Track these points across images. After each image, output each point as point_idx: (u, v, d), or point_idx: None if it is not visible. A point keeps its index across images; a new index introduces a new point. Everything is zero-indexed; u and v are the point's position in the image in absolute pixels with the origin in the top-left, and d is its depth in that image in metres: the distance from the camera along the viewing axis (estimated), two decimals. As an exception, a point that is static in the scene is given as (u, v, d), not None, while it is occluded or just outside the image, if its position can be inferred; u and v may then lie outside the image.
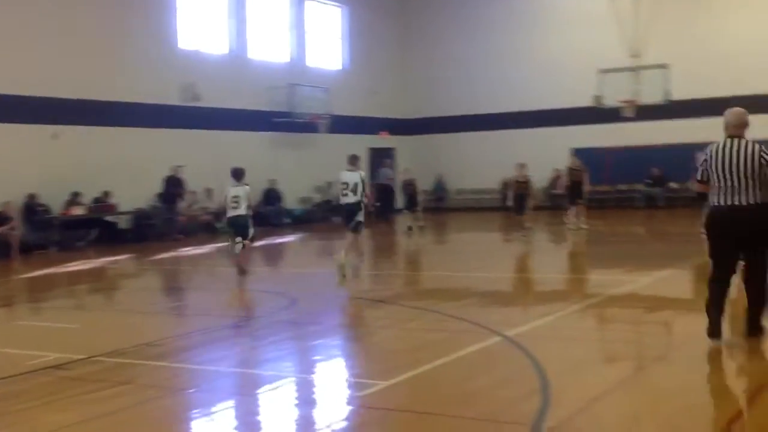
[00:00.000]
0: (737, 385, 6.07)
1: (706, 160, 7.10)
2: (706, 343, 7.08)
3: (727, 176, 6.91)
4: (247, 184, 13.61)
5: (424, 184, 31.17)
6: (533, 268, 14.13)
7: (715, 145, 7.11)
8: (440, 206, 29.86)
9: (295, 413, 5.96)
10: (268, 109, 25.96)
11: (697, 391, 5.93)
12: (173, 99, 23.26)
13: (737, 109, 7.18)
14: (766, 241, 7.01)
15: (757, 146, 6.95)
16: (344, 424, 5.59)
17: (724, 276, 7.15)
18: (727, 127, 7.13)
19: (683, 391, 5.95)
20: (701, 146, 22.11)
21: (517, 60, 29.52)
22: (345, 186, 13.12)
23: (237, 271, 13.26)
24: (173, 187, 21.89)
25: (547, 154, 28.23)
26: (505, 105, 29.59)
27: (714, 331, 7.07)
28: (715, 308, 7.11)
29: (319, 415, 5.87)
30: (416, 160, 30.31)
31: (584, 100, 25.78)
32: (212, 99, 24.14)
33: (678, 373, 6.54)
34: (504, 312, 9.41)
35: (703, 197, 15.74)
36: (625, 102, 24.43)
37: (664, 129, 26.32)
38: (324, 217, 27.04)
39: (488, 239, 21.15)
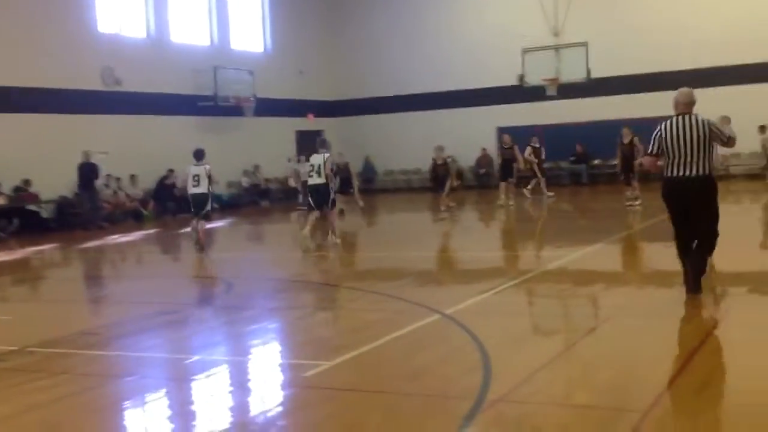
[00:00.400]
0: (669, 352, 6.28)
1: (660, 135, 7.75)
2: (639, 312, 7.33)
3: (681, 150, 7.60)
4: (208, 164, 14.66)
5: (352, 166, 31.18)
6: (466, 247, 14.29)
7: (667, 122, 7.76)
8: (369, 187, 29.92)
9: (240, 395, 5.95)
10: (192, 93, 25.57)
11: (630, 360, 6.13)
12: (94, 84, 22.72)
13: (685, 89, 7.92)
14: (711, 208, 7.80)
15: (705, 120, 7.69)
16: (291, 404, 5.62)
17: (684, 238, 7.84)
18: (677, 105, 7.81)
19: (617, 360, 6.15)
20: (622, 122, 22.89)
21: (442, 40, 29.71)
22: (312, 168, 14.20)
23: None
24: (89, 174, 20.93)
25: (473, 134, 28.66)
26: (431, 85, 29.79)
27: (692, 287, 7.78)
28: (686, 264, 7.83)
29: (265, 396, 5.87)
30: (344, 142, 30.22)
31: (508, 79, 26.19)
32: (134, 83, 23.66)
33: (611, 344, 6.75)
34: (441, 290, 9.53)
35: (628, 169, 16.72)
36: (548, 80, 24.88)
37: (586, 106, 26.90)
38: (252, 201, 26.85)
39: (419, 219, 21.31)
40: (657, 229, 14.95)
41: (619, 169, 19.07)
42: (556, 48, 24.94)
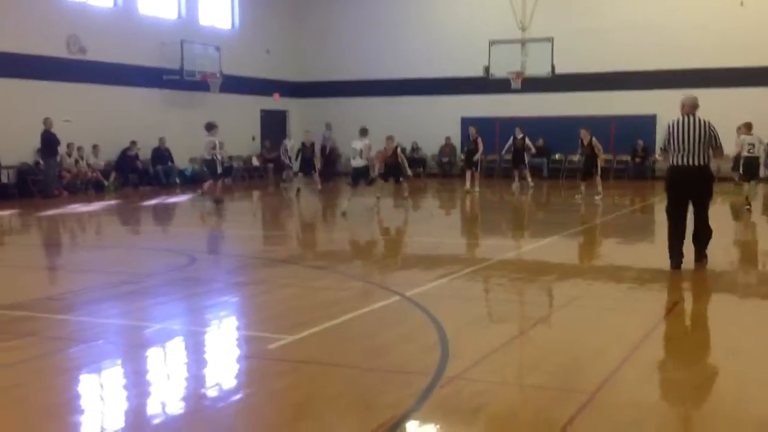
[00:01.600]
0: (617, 342, 6.60)
1: (669, 132, 9.30)
2: (591, 303, 7.65)
3: (684, 144, 9.18)
4: (214, 137, 18.54)
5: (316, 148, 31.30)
6: (425, 233, 14.57)
7: (675, 120, 9.36)
8: (333, 171, 30.05)
9: (204, 364, 6.15)
10: (157, 66, 25.44)
11: (580, 347, 6.45)
12: (59, 51, 22.50)
13: (691, 95, 9.51)
14: (708, 192, 9.42)
15: (706, 121, 9.27)
16: (255, 373, 5.82)
17: (679, 220, 9.44)
18: (683, 107, 9.39)
19: (568, 346, 6.46)
20: (583, 119, 23.30)
21: (410, 28, 29.87)
22: (354, 151, 16.84)
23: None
24: (51, 142, 20.68)
25: (437, 123, 28.95)
26: (397, 72, 29.96)
27: (675, 263, 9.34)
28: (674, 244, 9.41)
29: (229, 365, 6.07)
30: (308, 124, 30.33)
31: (474, 71, 26.44)
32: (100, 53, 23.46)
33: (563, 331, 7.08)
34: (401, 273, 9.78)
35: (589, 167, 17.39)
36: (513, 74, 25.18)
37: (549, 101, 27.33)
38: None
39: (380, 204, 21.56)
40: (612, 225, 15.40)
41: (582, 167, 19.88)
42: (522, 42, 25.25)
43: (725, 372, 5.91)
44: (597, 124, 23.63)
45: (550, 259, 10.97)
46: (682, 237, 9.47)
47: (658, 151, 9.82)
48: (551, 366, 5.91)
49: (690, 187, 9.37)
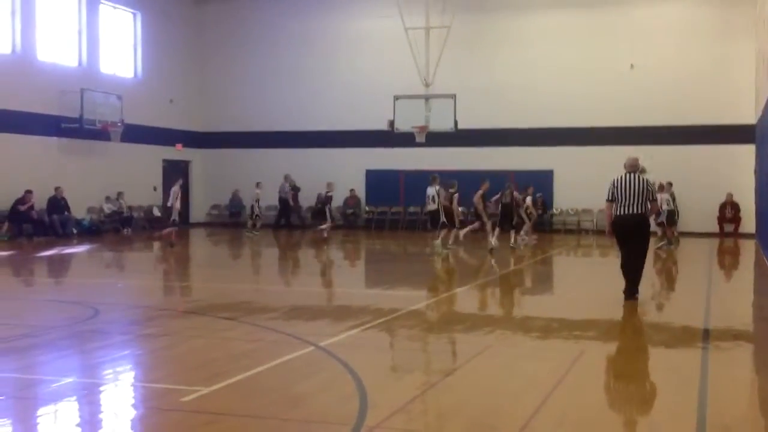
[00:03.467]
0: (535, 386, 6.71)
1: (614, 186, 11.01)
2: (503, 351, 7.74)
3: (626, 196, 10.91)
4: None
5: (218, 199, 31.05)
6: (336, 284, 14.55)
7: (618, 176, 11.09)
8: (237, 221, 29.80)
9: (117, 418, 5.93)
10: (56, 114, 24.84)
11: (496, 394, 6.54)
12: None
13: (633, 156, 11.32)
14: (646, 237, 11.11)
15: (644, 178, 11.09)
16: (170, 427, 5.65)
17: (626, 258, 11.12)
18: (626, 166, 11.16)
19: (487, 391, 6.58)
20: (484, 173, 23.72)
21: (315, 81, 30.14)
22: (428, 197, 18.76)
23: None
24: None
25: (343, 175, 29.09)
26: (303, 124, 30.13)
27: (628, 295, 11.07)
28: (626, 279, 11.09)
29: (143, 419, 5.89)
30: (211, 175, 30.17)
31: (379, 124, 26.84)
32: (-4, 100, 22.77)
33: (481, 377, 7.16)
34: (313, 324, 9.70)
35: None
36: (417, 128, 25.65)
37: (452, 155, 27.90)
38: (115, 228, 26.18)
39: (288, 255, 21.46)
40: (516, 277, 15.73)
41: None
42: (426, 98, 25.80)
43: (638, 419, 6.08)
44: (498, 178, 24.19)
45: (460, 309, 11.12)
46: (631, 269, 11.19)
47: (605, 205, 11.38)
48: (470, 413, 5.96)
49: (630, 231, 11.02)
